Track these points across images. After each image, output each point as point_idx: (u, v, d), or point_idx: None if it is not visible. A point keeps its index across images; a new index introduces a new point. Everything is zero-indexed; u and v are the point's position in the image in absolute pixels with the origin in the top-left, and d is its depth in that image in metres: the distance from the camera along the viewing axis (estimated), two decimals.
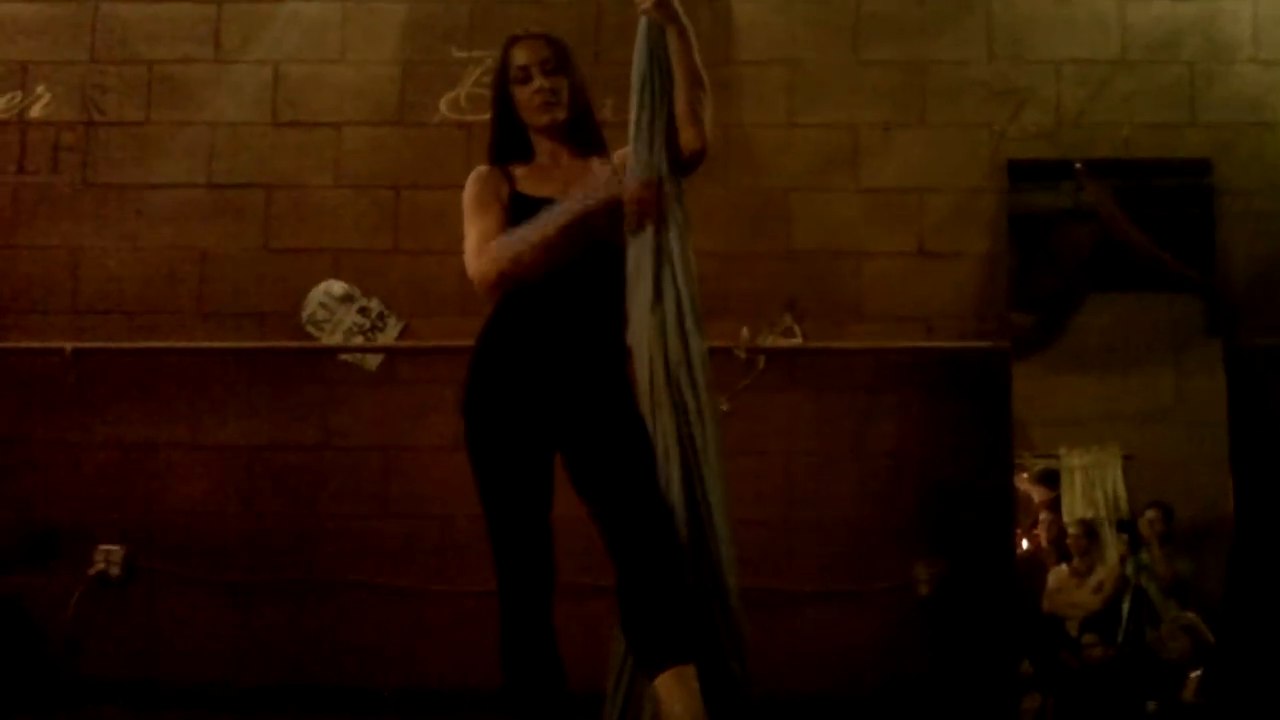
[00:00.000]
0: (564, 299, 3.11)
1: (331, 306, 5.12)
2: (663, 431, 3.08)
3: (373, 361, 5.11)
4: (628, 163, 3.18)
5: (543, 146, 3.23)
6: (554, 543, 3.09)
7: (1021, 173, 5.01)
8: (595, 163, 3.22)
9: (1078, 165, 4.98)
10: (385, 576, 4.97)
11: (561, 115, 3.18)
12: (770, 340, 4.99)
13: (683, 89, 3.16)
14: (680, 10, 3.18)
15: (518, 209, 3.14)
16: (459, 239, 4.95)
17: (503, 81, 3.22)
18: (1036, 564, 4.85)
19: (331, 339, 5.11)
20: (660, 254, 3.12)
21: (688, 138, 3.17)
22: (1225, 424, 4.74)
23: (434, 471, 4.96)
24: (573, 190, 3.12)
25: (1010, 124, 5.07)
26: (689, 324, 3.12)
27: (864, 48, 5.12)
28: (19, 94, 5.25)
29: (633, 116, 3.19)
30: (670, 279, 3.12)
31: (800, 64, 5.12)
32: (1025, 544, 4.87)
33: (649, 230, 3.12)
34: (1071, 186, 4.98)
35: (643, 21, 3.22)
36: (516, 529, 3.07)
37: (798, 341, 5.00)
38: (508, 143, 3.24)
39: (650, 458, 3.06)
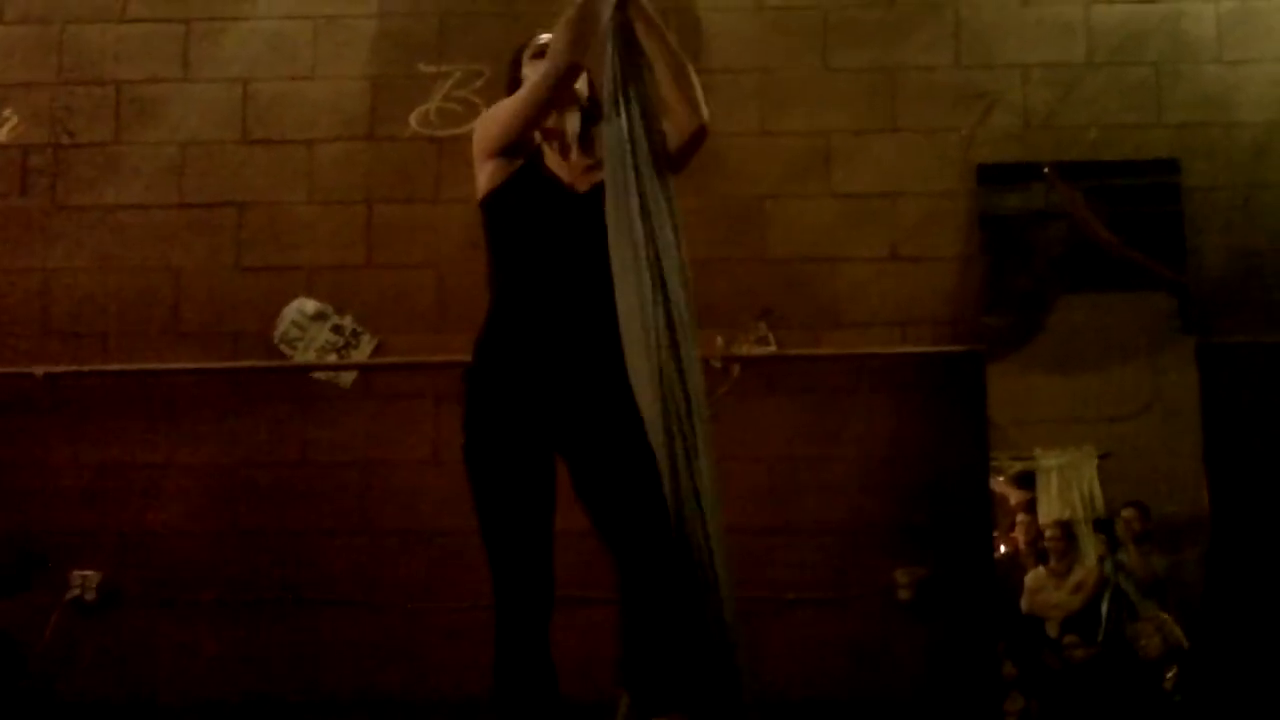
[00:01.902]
0: (561, 299, 3.09)
1: (304, 325, 5.10)
2: (653, 432, 3.02)
3: (347, 379, 5.09)
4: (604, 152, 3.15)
5: (553, 132, 3.22)
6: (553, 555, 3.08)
7: (991, 175, 5.04)
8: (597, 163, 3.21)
9: (1047, 168, 5.01)
10: (366, 593, 4.95)
11: (585, 91, 3.20)
12: (746, 348, 5.00)
13: (665, 75, 3.15)
14: (646, 4, 3.17)
15: (528, 176, 3.14)
16: (432, 252, 5.06)
17: (518, 65, 3.26)
18: (1016, 566, 4.86)
19: (305, 357, 5.09)
20: (647, 253, 3.04)
21: (683, 119, 3.17)
22: (1200, 420, 4.76)
23: (413, 486, 4.96)
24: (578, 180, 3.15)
25: (979, 128, 5.10)
26: (678, 330, 3.05)
27: (833, 54, 5.15)
28: None
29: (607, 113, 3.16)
30: (657, 283, 3.05)
31: (771, 72, 5.14)
32: (1004, 546, 4.88)
33: (637, 229, 3.06)
34: (1042, 188, 5.01)
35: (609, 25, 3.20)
36: (519, 541, 3.05)
37: (772, 349, 5.01)
38: None
39: (653, 462, 3.01)
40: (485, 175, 3.18)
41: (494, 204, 3.17)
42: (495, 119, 3.17)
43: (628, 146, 3.07)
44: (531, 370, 3.07)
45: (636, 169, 3.07)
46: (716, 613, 3.01)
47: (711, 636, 2.99)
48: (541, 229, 3.14)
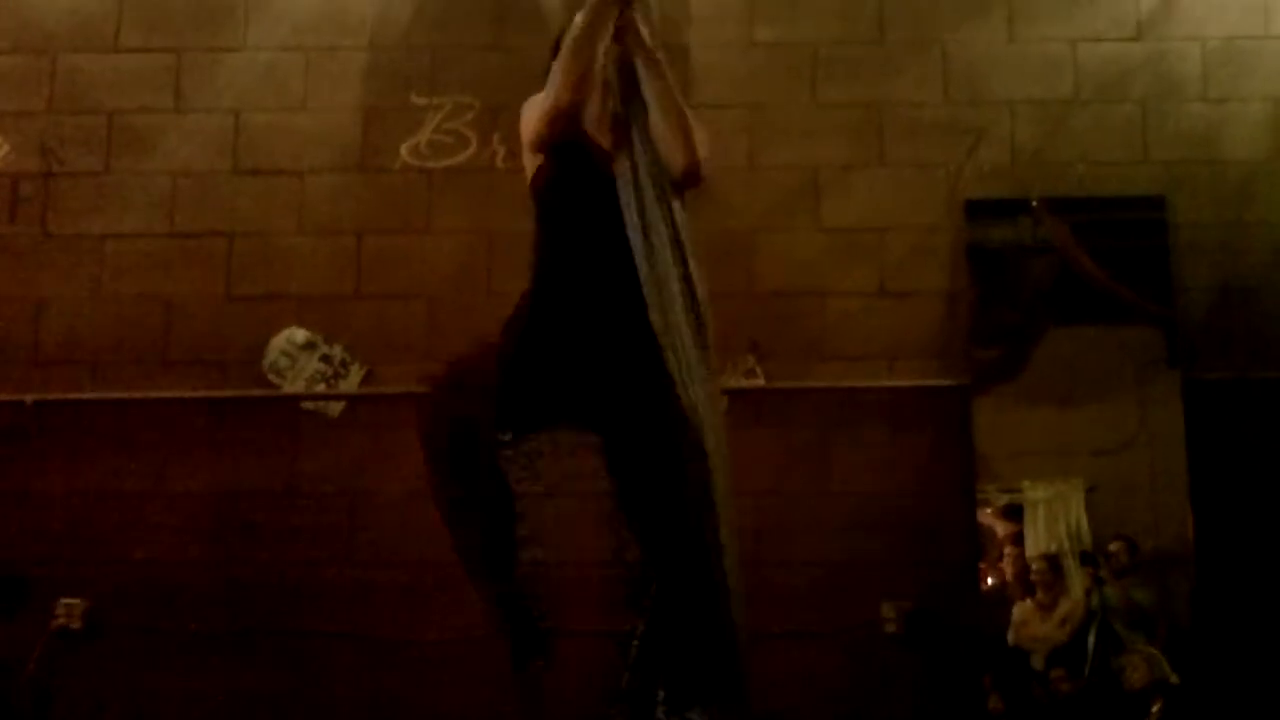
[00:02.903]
0: (600, 282, 3.13)
1: (293, 354, 5.11)
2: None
3: (335, 408, 5.10)
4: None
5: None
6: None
7: (979, 210, 5.07)
8: None
9: (1034, 202, 5.04)
10: (354, 622, 4.92)
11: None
12: (734, 381, 5.01)
13: (658, 113, 3.20)
14: (645, 38, 3.21)
15: (571, 162, 3.21)
16: (422, 283, 5.08)
17: (556, 52, 3.30)
18: (1003, 598, 4.87)
19: (294, 386, 5.09)
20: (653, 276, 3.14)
21: (675, 159, 3.21)
22: (1185, 454, 4.78)
23: (401, 517, 4.94)
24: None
25: (967, 163, 5.14)
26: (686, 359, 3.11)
27: (822, 90, 5.18)
28: None
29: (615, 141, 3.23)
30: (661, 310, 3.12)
31: (760, 106, 5.17)
32: (991, 579, 4.89)
33: (646, 253, 3.12)
34: (1029, 222, 5.04)
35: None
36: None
37: (760, 382, 5.02)
38: None
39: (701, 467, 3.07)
40: (530, 164, 3.28)
41: (539, 189, 3.25)
42: (527, 124, 3.26)
43: (632, 176, 3.13)
44: (565, 347, 3.12)
45: (640, 196, 3.13)
46: (730, 611, 3.06)
47: (730, 634, 3.05)
48: (585, 214, 3.19)
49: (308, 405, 5.10)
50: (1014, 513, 4.91)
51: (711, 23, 5.15)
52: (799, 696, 4.82)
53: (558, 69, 3.14)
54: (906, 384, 4.99)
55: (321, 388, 5.10)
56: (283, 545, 4.99)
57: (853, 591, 4.90)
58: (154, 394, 5.07)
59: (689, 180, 3.25)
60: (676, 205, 3.19)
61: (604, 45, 3.15)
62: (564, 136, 3.18)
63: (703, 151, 3.25)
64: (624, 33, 3.20)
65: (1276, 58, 5.14)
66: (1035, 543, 4.87)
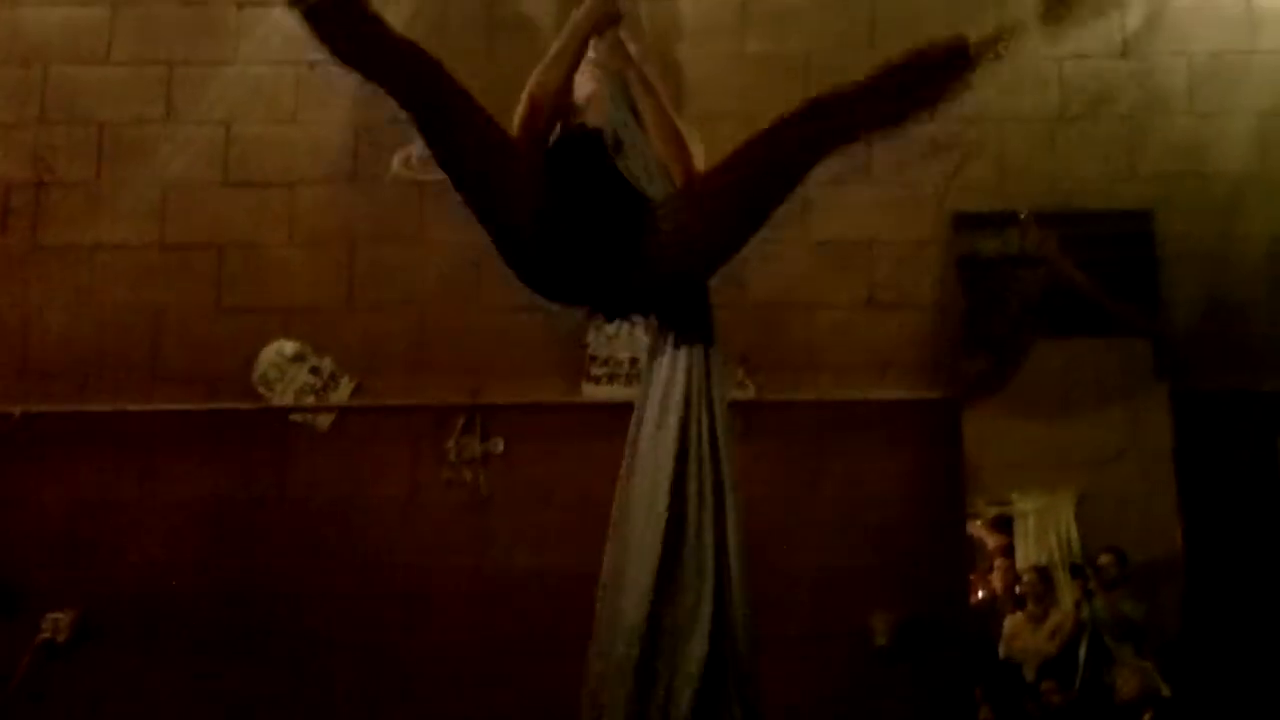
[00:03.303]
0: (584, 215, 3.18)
1: (283, 366, 5.10)
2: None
3: (324, 421, 5.08)
4: None
5: None
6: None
7: (967, 224, 5.08)
8: None
9: (1022, 215, 5.06)
10: (343, 633, 4.91)
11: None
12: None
13: (655, 132, 3.23)
14: (634, 55, 3.23)
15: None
16: (412, 295, 5.08)
17: None
18: (993, 610, 4.87)
19: (283, 399, 5.08)
20: None
21: (672, 175, 3.25)
22: (1174, 466, 4.80)
23: (389, 529, 4.94)
24: None
25: (955, 178, 5.15)
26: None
27: None
28: None
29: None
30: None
31: (751, 118, 5.14)
32: (981, 591, 4.89)
33: None
34: (1017, 234, 5.06)
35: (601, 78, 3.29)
36: None
37: (750, 394, 5.02)
38: None
39: None
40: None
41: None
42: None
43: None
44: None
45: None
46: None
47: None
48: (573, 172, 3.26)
49: (296, 417, 5.08)
50: (1004, 524, 4.92)
51: (703, 35, 5.18)
52: (786, 708, 4.81)
53: (524, 98, 3.20)
54: (896, 396, 5.00)
55: (311, 400, 5.09)
56: (272, 557, 4.98)
57: (841, 603, 4.89)
58: (144, 405, 5.05)
59: None
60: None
61: (573, 67, 3.20)
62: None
63: (698, 167, 3.29)
64: (613, 52, 3.24)
65: (1263, 72, 5.18)
66: (1025, 555, 4.88)
